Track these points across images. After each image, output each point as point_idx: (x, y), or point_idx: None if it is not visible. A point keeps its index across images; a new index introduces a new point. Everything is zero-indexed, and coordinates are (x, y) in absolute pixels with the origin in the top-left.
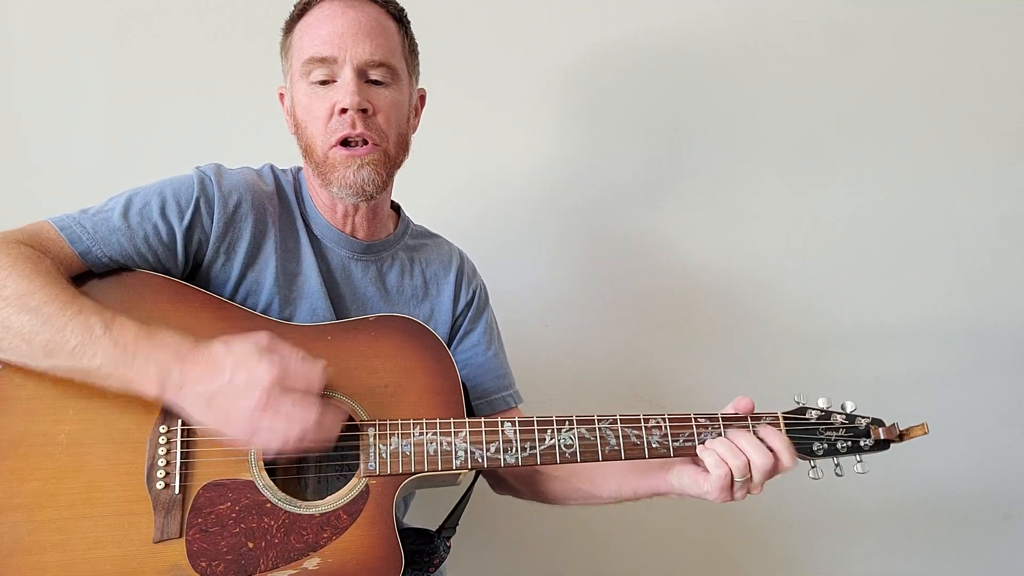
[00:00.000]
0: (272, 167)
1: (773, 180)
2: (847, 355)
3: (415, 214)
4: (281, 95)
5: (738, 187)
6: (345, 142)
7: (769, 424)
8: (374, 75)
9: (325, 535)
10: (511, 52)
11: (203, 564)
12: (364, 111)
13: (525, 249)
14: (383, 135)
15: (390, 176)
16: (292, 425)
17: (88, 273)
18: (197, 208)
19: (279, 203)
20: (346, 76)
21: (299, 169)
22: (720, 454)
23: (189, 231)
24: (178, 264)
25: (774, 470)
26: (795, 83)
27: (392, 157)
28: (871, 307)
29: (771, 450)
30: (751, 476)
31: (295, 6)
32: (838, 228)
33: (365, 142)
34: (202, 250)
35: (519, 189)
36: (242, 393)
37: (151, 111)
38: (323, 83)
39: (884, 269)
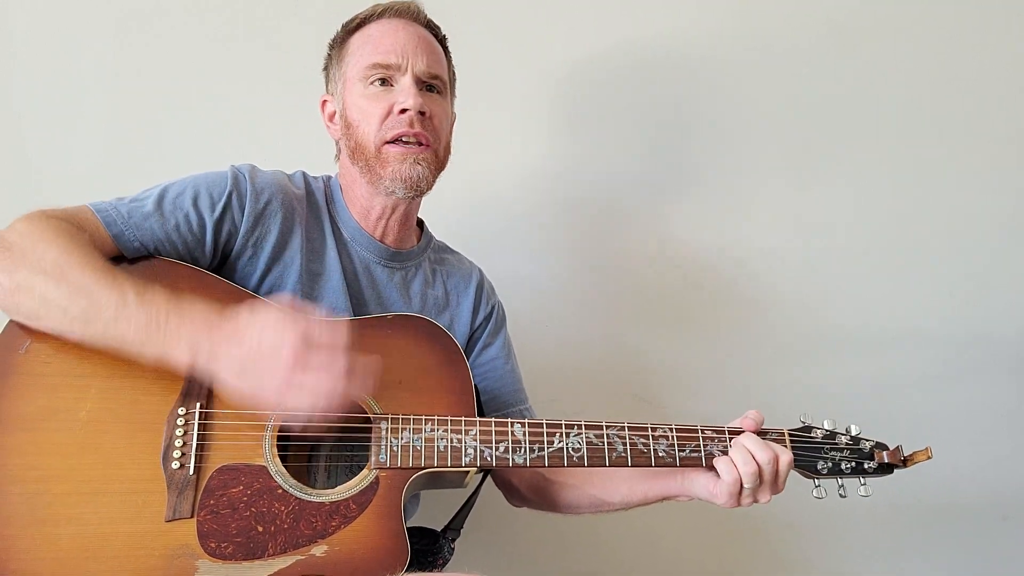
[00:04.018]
0: (304, 173)
1: (773, 181)
2: (847, 355)
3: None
4: (324, 103)
5: (738, 188)
6: (399, 140)
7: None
8: (430, 83)
9: (333, 523)
10: (511, 53)
11: (212, 545)
12: (422, 114)
13: (525, 249)
14: (436, 137)
15: (436, 178)
16: (323, 380)
17: (119, 258)
18: (229, 201)
19: (308, 206)
20: (407, 81)
21: (330, 177)
22: (732, 459)
23: (219, 223)
24: (206, 254)
25: (777, 477)
26: (795, 84)
27: (440, 160)
28: (871, 307)
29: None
30: (761, 482)
31: (352, 19)
32: (838, 229)
33: (419, 143)
34: (231, 243)
35: (519, 188)
36: (271, 354)
37: (151, 111)
38: (381, 88)
39: (884, 269)
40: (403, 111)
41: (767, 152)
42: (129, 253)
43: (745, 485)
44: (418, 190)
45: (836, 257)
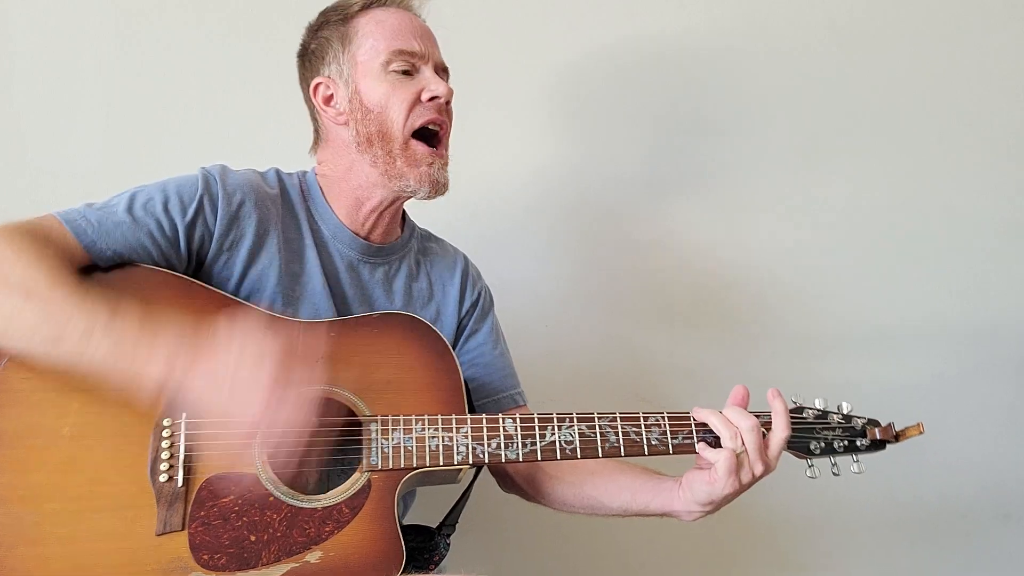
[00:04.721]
0: (277, 170)
1: (772, 179)
2: (847, 353)
3: (414, 209)
4: (316, 87)
5: (737, 186)
6: (426, 134)
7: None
8: (442, 76)
9: (327, 529)
10: (509, 50)
11: (205, 557)
12: (447, 103)
13: (524, 248)
14: (450, 127)
15: None
16: (301, 399)
17: (93, 266)
18: (200, 205)
19: (283, 205)
20: (430, 70)
21: (305, 173)
22: (713, 425)
23: (191, 227)
24: (181, 260)
25: (765, 439)
26: (795, 82)
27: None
28: (871, 306)
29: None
30: (745, 448)
31: (350, 4)
32: (838, 227)
33: (437, 144)
34: (205, 247)
35: (518, 187)
36: (252, 368)
37: (151, 111)
38: (404, 75)
39: (884, 268)
40: (433, 98)
41: (769, 151)
42: (103, 263)
43: (735, 449)
44: (441, 193)
45: (836, 256)
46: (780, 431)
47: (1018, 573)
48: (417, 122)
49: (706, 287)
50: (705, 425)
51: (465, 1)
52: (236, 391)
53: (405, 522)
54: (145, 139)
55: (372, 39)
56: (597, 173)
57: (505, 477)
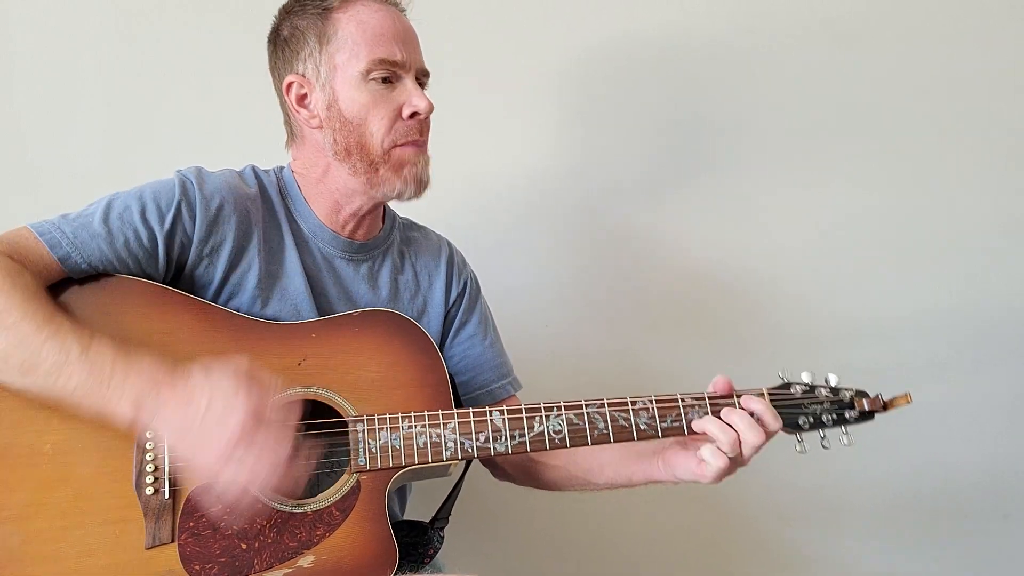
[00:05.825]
0: (254, 168)
1: (773, 178)
2: (847, 352)
3: (413, 211)
4: (289, 85)
5: (738, 185)
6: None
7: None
8: (423, 81)
9: (318, 532)
10: (510, 49)
11: (196, 568)
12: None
13: (525, 248)
14: (427, 138)
15: None
16: (263, 460)
17: (69, 279)
18: (178, 211)
19: (262, 204)
20: (411, 82)
21: (282, 168)
22: (712, 433)
23: (170, 235)
24: (159, 268)
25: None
26: (796, 81)
27: None
28: (871, 304)
29: (754, 416)
30: (741, 452)
31: None
32: (839, 225)
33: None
34: (184, 253)
35: (518, 187)
36: (218, 422)
37: (151, 110)
38: (384, 85)
39: (884, 266)
40: (414, 115)
41: (768, 150)
42: (77, 275)
43: (728, 454)
44: (425, 190)
45: (837, 254)
46: (770, 426)
47: (1018, 573)
48: (399, 139)
49: (707, 286)
50: (693, 407)
51: (466, 1)
52: (196, 440)
53: (404, 515)
54: (145, 139)
55: (352, 42)
56: (598, 174)
57: (496, 466)
